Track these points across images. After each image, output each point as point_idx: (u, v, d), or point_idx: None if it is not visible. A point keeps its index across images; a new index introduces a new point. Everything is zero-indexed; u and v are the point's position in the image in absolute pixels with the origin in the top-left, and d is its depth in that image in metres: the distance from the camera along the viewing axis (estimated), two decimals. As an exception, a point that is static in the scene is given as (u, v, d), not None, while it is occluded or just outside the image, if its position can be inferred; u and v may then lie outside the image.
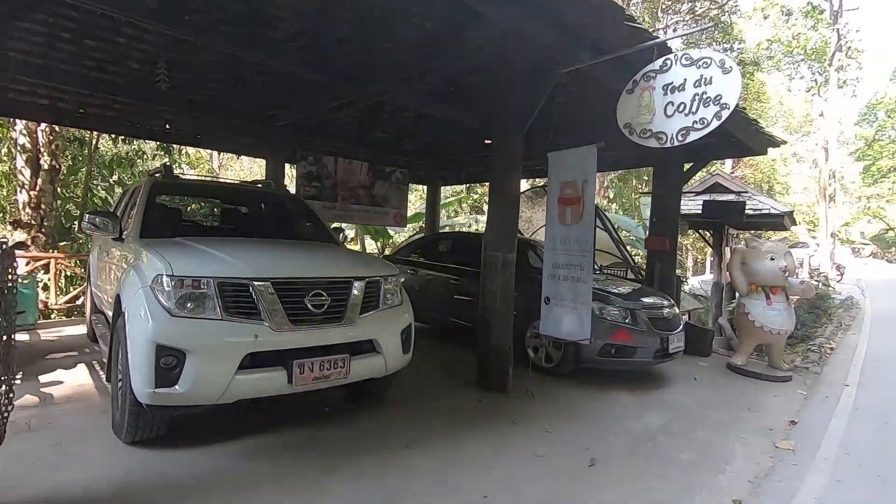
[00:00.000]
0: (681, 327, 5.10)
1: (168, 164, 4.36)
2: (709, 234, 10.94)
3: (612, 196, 18.36)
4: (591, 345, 4.63)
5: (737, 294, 6.01)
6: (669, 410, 4.31)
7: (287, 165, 9.02)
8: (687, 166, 6.95)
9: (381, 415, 3.72)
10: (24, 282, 6.00)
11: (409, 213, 13.41)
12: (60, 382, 4.05)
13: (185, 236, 3.44)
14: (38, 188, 8.22)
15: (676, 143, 3.31)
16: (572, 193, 4.04)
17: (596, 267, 9.40)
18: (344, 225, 16.50)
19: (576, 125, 7.86)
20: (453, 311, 5.95)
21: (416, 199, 17.29)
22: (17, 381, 4.03)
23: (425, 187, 11.12)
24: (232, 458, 2.89)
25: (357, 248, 15.89)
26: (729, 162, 29.82)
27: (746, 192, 9.65)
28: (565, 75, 4.02)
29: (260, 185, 5.02)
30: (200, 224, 4.32)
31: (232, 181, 7.18)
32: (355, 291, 3.19)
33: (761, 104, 25.98)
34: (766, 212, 9.06)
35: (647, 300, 5.01)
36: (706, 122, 3.18)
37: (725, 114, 3.11)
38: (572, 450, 3.37)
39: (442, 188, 12.41)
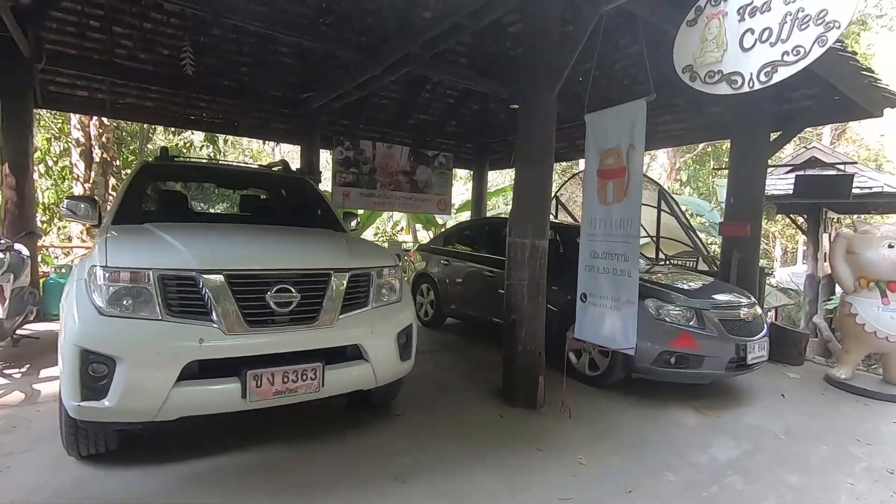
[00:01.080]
0: (764, 331, 4.10)
1: (166, 147, 4.03)
2: (802, 219, 9.40)
3: (685, 179, 16.62)
4: (645, 351, 3.81)
5: (839, 290, 4.82)
6: (747, 439, 3.40)
7: (326, 153, 8.72)
8: (774, 136, 5.74)
9: (377, 432, 3.16)
10: (61, 271, 6.07)
11: (461, 202, 12.85)
12: (55, 378, 3.86)
13: (163, 222, 3.04)
14: (91, 181, 8.49)
15: (758, 86, 2.41)
16: (614, 164, 3.22)
17: (662, 256, 8.31)
18: (397, 215, 16.27)
19: (618, 85, 6.77)
20: (490, 307, 5.26)
21: (464, 185, 16.51)
22: (17, 376, 3.90)
23: (472, 172, 10.42)
24: (184, 482, 2.44)
25: (409, 237, 15.53)
26: (826, 136, 26.33)
27: (854, 165, 8.06)
28: (604, 15, 3.19)
29: (272, 168, 4.61)
30: (189, 209, 3.95)
31: (235, 163, 6.88)
32: (335, 286, 2.62)
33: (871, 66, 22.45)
34: (878, 190, 7.50)
35: (719, 297, 4.06)
36: (803, 51, 2.26)
37: (833, 36, 2.18)
38: (610, 491, 2.62)
39: (493, 173, 11.70)
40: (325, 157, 9.45)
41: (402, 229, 16.24)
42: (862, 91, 4.88)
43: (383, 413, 3.41)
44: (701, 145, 19.02)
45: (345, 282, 2.67)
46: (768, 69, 2.36)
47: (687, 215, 7.77)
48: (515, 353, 3.56)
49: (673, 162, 16.76)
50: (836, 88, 4.82)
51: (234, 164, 6.06)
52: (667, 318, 3.82)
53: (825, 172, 8.36)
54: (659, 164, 17.49)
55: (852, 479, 2.94)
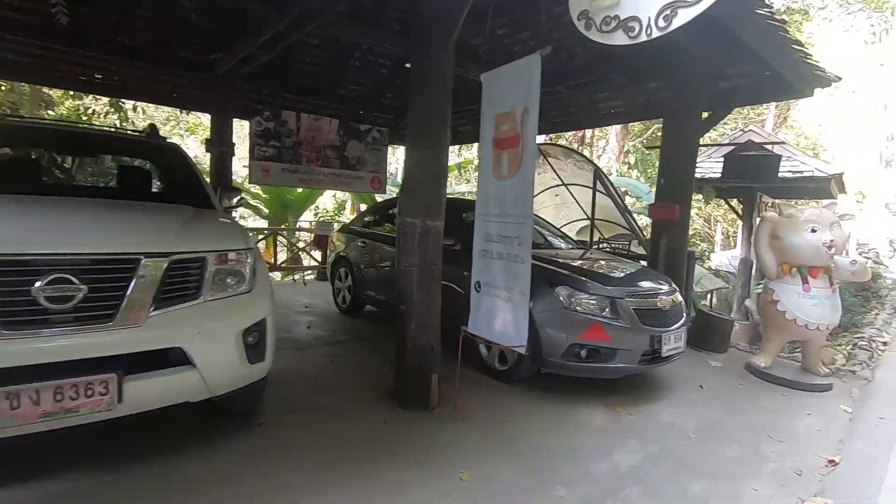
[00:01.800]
0: (682, 321, 3.83)
1: (153, 124, 3.32)
2: (738, 203, 9.41)
3: (633, 162, 16.60)
4: (555, 344, 3.46)
5: (765, 277, 4.65)
6: (656, 440, 3.11)
7: (245, 124, 7.93)
8: (706, 116, 5.49)
9: (233, 445, 2.66)
10: None
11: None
12: None
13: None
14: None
15: (656, 34, 2.01)
16: (509, 131, 2.78)
17: (598, 239, 8.09)
18: (342, 194, 15.50)
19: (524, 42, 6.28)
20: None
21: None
22: None
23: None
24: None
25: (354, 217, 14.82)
26: (770, 123, 27.20)
27: (783, 145, 8.03)
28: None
29: (133, 135, 3.90)
30: (34, 179, 3.25)
31: (80, 126, 6.00)
32: (147, 275, 2.07)
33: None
34: (809, 174, 7.50)
35: (636, 285, 3.75)
36: (705, -11, 1.85)
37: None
38: (485, 515, 2.24)
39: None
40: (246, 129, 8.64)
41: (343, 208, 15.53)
42: (794, 68, 4.65)
43: (243, 423, 2.90)
44: (651, 129, 19.12)
45: (162, 269, 2.13)
46: (667, 12, 1.95)
47: (623, 198, 7.51)
48: (405, 350, 3.12)
49: (622, 145, 16.70)
50: (769, 65, 4.57)
51: (79, 126, 5.26)
52: (578, 308, 3.47)
53: (753, 153, 8.33)
54: (610, 148, 17.42)
55: (758, 484, 2.69)
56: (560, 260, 4.08)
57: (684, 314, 3.91)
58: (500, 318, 2.90)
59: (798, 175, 7.61)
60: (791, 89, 5.14)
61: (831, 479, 2.79)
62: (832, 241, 4.10)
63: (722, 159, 8.71)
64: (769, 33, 4.06)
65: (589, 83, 6.59)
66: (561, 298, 3.49)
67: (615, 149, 16.45)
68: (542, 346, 3.50)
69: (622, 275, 3.94)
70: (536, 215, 6.19)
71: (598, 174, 6.94)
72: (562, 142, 22.96)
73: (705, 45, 4.56)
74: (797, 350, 5.02)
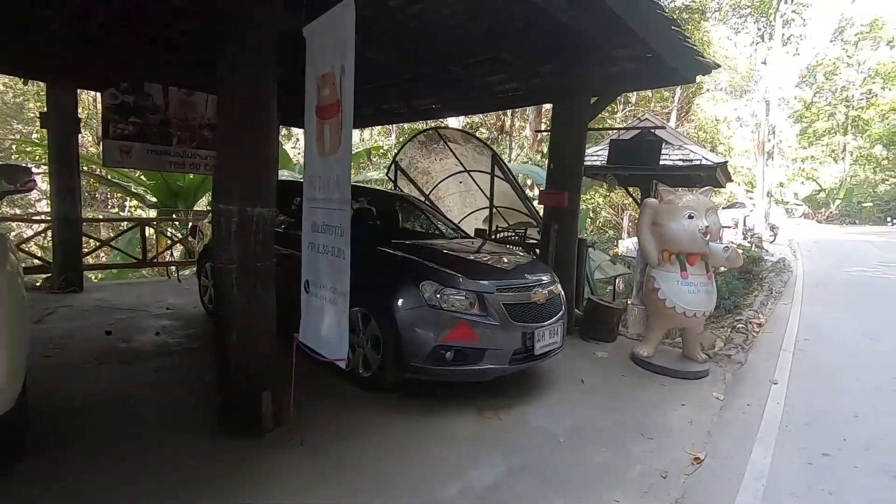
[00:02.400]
0: (559, 315, 3.59)
1: None
2: (638, 191, 9.66)
3: (546, 151, 16.83)
4: (418, 346, 3.06)
5: (648, 265, 4.57)
6: (522, 449, 2.82)
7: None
8: (594, 101, 5.35)
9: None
10: None
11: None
12: None
13: None
14: None
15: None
16: (330, 97, 2.31)
17: (496, 227, 7.88)
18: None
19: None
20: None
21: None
22: None
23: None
24: None
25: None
26: (673, 119, 29.00)
27: (664, 129, 8.26)
28: None
29: None
30: None
31: None
32: None
33: (707, 54, 24.79)
34: (698, 163, 7.74)
35: (511, 279, 3.43)
36: None
37: None
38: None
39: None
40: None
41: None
42: (677, 54, 4.58)
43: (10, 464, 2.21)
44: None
45: None
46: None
47: (521, 184, 7.31)
48: (228, 365, 2.56)
49: (535, 134, 16.85)
50: (650, 46, 4.44)
51: None
52: (444, 305, 3.09)
53: (634, 139, 8.51)
54: (524, 135, 17.54)
55: (621, 493, 2.46)
56: (431, 252, 3.69)
57: (562, 307, 3.66)
58: (326, 325, 2.43)
59: (688, 163, 7.84)
60: (676, 75, 5.11)
61: (694, 480, 2.63)
62: (707, 227, 4.05)
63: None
64: (654, 17, 3.92)
65: (482, 63, 6.26)
66: (425, 295, 3.09)
67: (530, 136, 16.55)
68: (405, 349, 3.09)
69: (496, 267, 3.63)
70: (417, 200, 5.81)
71: (496, 160, 6.68)
72: (483, 130, 22.92)
73: (594, 27, 4.37)
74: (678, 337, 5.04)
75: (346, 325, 2.32)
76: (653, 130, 8.22)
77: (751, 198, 28.19)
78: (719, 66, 4.96)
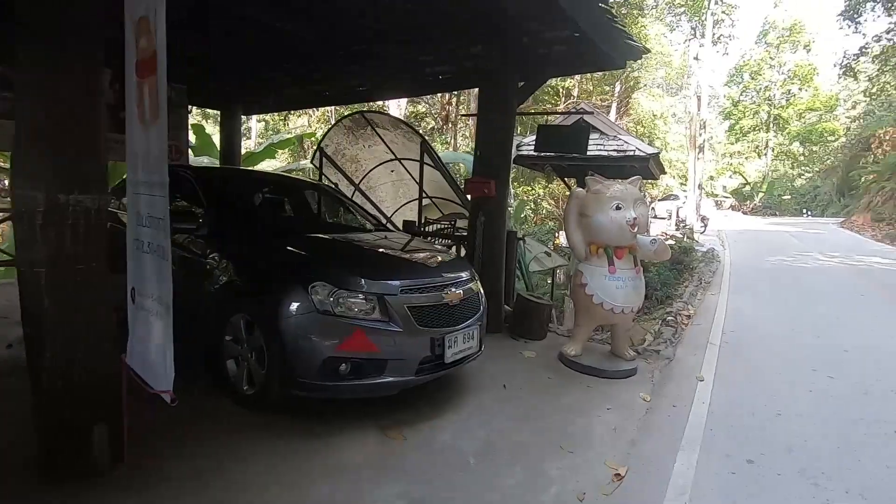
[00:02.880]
0: (476, 316, 3.23)
1: None
2: (575, 183, 9.58)
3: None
4: (306, 359, 2.61)
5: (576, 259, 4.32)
6: (426, 474, 2.44)
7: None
8: (521, 85, 5.04)
9: None
10: None
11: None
12: None
13: None
14: None
15: None
16: (147, 48, 1.79)
17: (439, 217, 7.50)
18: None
19: None
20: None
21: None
22: None
23: (220, 115, 8.23)
24: None
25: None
26: (613, 112, 29.73)
27: (591, 115, 8.20)
28: None
29: None
30: None
31: None
32: None
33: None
34: (632, 153, 7.67)
35: (420, 277, 3.02)
36: None
37: None
38: None
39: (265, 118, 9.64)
40: None
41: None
42: (607, 37, 4.32)
43: None
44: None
45: None
46: None
47: (452, 172, 6.94)
48: (40, 392, 2.00)
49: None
50: (578, 26, 4.16)
51: None
52: (337, 310, 2.65)
53: (561, 124, 8.41)
54: (469, 124, 17.23)
55: (531, 525, 2.13)
56: (334, 248, 3.24)
57: (480, 307, 3.31)
58: (152, 345, 1.93)
59: (622, 154, 7.77)
60: (606, 59, 4.87)
61: (613, 501, 2.36)
62: (635, 219, 3.83)
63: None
64: (588, 5, 3.65)
65: (412, 41, 5.80)
66: (316, 298, 2.63)
67: (472, 124, 16.25)
68: (291, 362, 2.63)
69: (405, 265, 3.22)
70: (334, 190, 5.30)
71: (425, 147, 6.26)
72: (429, 120, 22.35)
73: (519, 3, 4.04)
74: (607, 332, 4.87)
75: (171, 345, 1.83)
76: (583, 117, 8.11)
77: (684, 190, 29.50)
78: (649, 50, 4.79)
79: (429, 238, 6.14)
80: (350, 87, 7.40)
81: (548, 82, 21.99)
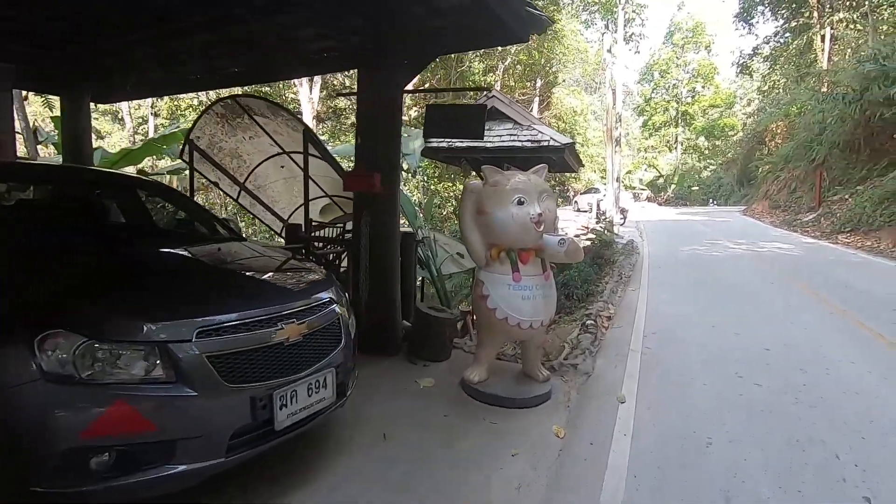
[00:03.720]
0: (335, 353, 2.39)
1: None
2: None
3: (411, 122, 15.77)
4: (38, 448, 1.65)
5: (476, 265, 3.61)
6: None
7: None
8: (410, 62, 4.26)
9: None
10: None
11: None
12: None
13: None
14: None
15: None
16: None
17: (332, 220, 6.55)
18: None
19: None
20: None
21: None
22: None
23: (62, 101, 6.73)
24: None
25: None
26: (535, 107, 30.04)
27: (494, 97, 7.68)
28: None
29: None
30: None
31: None
32: None
33: (562, 46, 25.97)
34: (546, 143, 7.18)
35: (239, 307, 2.12)
36: None
37: None
38: None
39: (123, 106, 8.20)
40: None
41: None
42: (509, 6, 3.66)
43: None
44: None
45: None
46: None
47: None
48: None
49: (413, 102, 15.69)
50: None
51: None
52: (85, 374, 1.70)
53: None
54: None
55: None
56: (101, 268, 2.27)
57: (340, 340, 2.48)
58: None
59: (536, 144, 7.26)
60: (507, 31, 4.18)
61: None
62: (541, 214, 3.17)
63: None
64: None
65: (282, 10, 4.83)
66: (48, 357, 1.68)
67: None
68: (15, 460, 1.66)
69: (218, 291, 2.30)
70: (155, 185, 4.17)
71: (308, 136, 5.31)
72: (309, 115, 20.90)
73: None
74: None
75: None
76: (495, 106, 7.53)
77: (605, 184, 30.43)
78: (553, 21, 4.20)
79: (317, 246, 5.22)
80: (221, 68, 6.27)
81: (467, 76, 21.60)
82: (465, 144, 7.50)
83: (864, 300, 6.18)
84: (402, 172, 8.49)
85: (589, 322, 5.20)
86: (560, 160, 7.90)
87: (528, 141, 7.25)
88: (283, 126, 5.94)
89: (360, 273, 3.97)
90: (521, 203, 3.19)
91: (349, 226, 5.72)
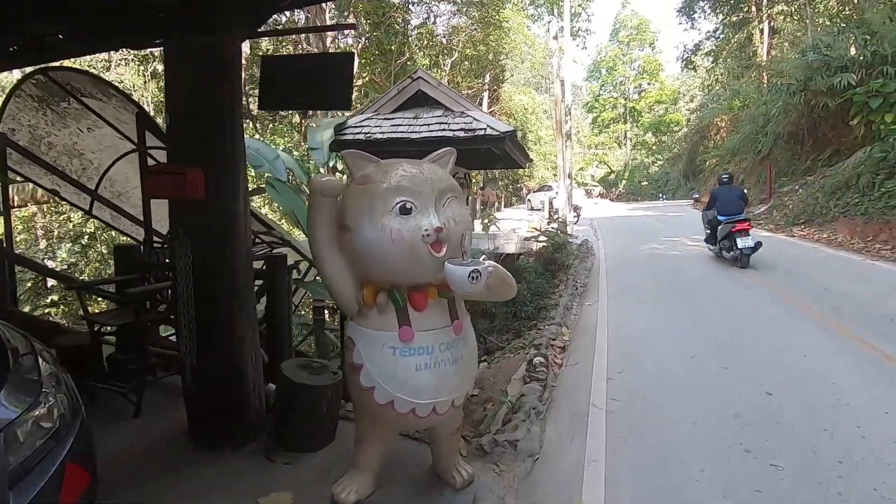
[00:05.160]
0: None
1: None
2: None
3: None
4: None
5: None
6: None
7: None
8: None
9: None
10: None
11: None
12: None
13: None
14: None
15: None
16: None
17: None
18: None
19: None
20: None
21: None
22: None
23: None
24: None
25: None
26: (485, 104, 29.02)
27: (421, 80, 6.45)
28: None
29: None
30: None
31: None
32: None
33: (508, 38, 25.11)
34: (482, 132, 5.96)
35: None
36: None
37: None
38: None
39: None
40: None
41: None
42: None
43: None
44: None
45: None
46: None
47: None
48: None
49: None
50: None
51: None
52: None
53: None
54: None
55: None
56: None
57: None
58: None
59: (471, 134, 6.02)
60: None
61: None
62: (440, 228, 1.88)
63: (392, 117, 6.75)
64: None
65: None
66: None
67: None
68: None
69: None
70: None
71: (144, 121, 3.81)
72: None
73: None
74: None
75: None
76: (421, 88, 6.30)
77: (557, 182, 29.81)
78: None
79: (167, 275, 3.71)
80: (38, 33, 4.66)
81: (411, 69, 20.28)
82: (384, 136, 6.17)
83: (855, 309, 5.26)
84: (302, 171, 6.99)
85: (537, 360, 3.97)
86: (502, 153, 6.72)
87: (460, 130, 6.01)
88: (123, 112, 4.40)
89: (181, 324, 2.55)
90: (406, 211, 1.89)
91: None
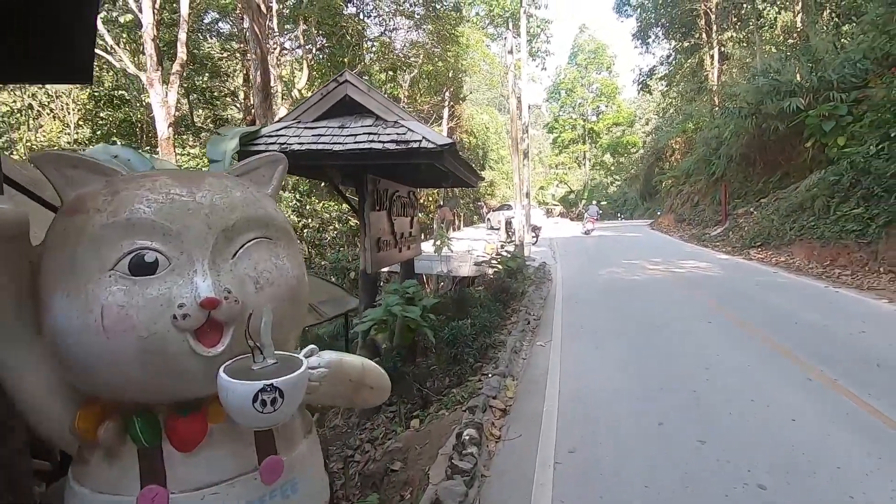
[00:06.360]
0: None
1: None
2: (351, 193, 6.83)
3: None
4: None
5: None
6: None
7: None
8: None
9: None
10: None
11: None
12: None
13: None
14: None
15: None
16: None
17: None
18: None
19: None
20: None
21: None
22: None
23: None
24: None
25: None
26: (445, 120, 28.54)
27: (388, 109, 5.61)
28: None
29: None
30: None
31: None
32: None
33: (466, 55, 24.77)
34: (416, 145, 5.12)
35: None
36: None
37: None
38: None
39: None
40: None
41: None
42: None
43: None
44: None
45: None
46: None
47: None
48: None
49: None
50: None
51: None
52: None
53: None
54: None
55: None
56: None
57: None
58: None
59: (404, 147, 5.17)
60: None
61: None
62: (210, 301, 0.97)
63: (315, 126, 5.85)
64: None
65: None
66: None
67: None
68: None
69: None
70: None
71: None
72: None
73: None
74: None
75: None
76: (348, 94, 5.45)
77: (516, 200, 29.49)
78: None
79: None
80: None
81: (373, 81, 19.52)
82: (303, 147, 5.23)
83: (835, 351, 4.61)
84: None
85: (467, 433, 3.06)
86: (444, 169, 5.89)
87: (391, 142, 5.14)
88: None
89: None
90: (144, 268, 0.97)
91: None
